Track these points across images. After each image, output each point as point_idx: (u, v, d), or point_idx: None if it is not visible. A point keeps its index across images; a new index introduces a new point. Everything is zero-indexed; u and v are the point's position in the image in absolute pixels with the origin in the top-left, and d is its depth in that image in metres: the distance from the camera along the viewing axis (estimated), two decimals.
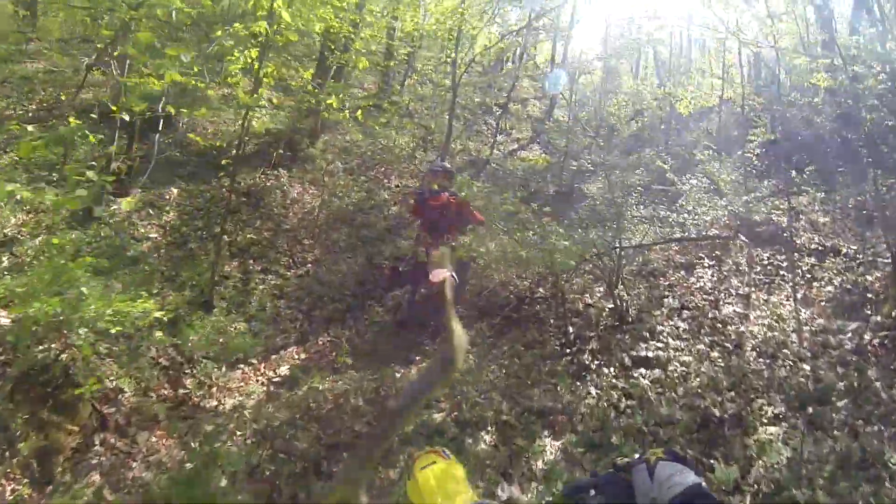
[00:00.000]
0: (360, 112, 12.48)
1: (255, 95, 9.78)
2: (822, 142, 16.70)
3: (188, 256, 10.73)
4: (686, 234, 12.74)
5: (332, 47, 15.50)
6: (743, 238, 11.83)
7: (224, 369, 8.71)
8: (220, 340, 9.18)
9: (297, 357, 9.56)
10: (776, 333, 9.22)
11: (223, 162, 10.35)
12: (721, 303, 10.45)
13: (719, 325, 9.59)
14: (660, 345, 9.10)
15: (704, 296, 10.78)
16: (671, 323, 9.86)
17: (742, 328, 9.49)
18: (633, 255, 11.78)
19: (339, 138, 17.10)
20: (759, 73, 23.51)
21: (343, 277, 11.97)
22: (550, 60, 30.80)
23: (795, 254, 11.59)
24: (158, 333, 8.62)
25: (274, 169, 14.31)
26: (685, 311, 10.24)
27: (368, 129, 18.39)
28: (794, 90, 19.71)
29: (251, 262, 11.27)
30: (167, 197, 12.30)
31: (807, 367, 8.23)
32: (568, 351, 9.47)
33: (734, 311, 10.09)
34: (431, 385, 1.03)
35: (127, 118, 12.81)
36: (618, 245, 10.86)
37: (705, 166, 18.67)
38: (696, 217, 13.66)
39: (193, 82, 10.33)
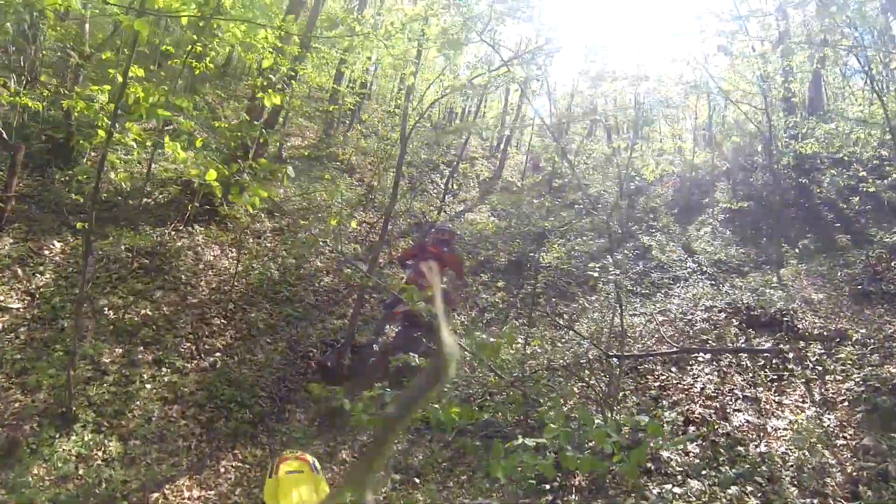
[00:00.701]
0: (284, 172, 10.31)
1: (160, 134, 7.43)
2: (785, 206, 15.89)
3: (55, 340, 8.14)
4: (683, 324, 11.32)
5: (265, 84, 13.33)
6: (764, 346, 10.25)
7: None
8: (79, 473, 6.63)
9: (187, 497, 7.08)
10: (808, 455, 7.45)
11: (78, 225, 7.77)
12: (729, 410, 8.77)
13: (738, 448, 7.78)
14: (676, 490, 7.05)
15: (707, 402, 9.10)
16: (678, 447, 7.94)
17: (764, 447, 7.75)
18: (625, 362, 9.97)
19: (270, 190, 14.76)
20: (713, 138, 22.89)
21: (258, 372, 9.61)
22: (501, 118, 29.54)
23: (800, 341, 10.25)
24: None
25: (188, 225, 11.87)
26: (690, 427, 8.43)
27: (303, 184, 16.21)
28: (757, 154, 19.28)
29: (140, 349, 8.74)
30: (46, 253, 9.70)
31: None
32: (547, 487, 7.49)
33: (747, 421, 8.42)
34: (423, 394, 0.67)
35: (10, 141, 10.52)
36: (617, 354, 9.06)
37: (671, 231, 17.73)
38: (690, 303, 12.48)
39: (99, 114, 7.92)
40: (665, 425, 8.56)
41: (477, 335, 5.04)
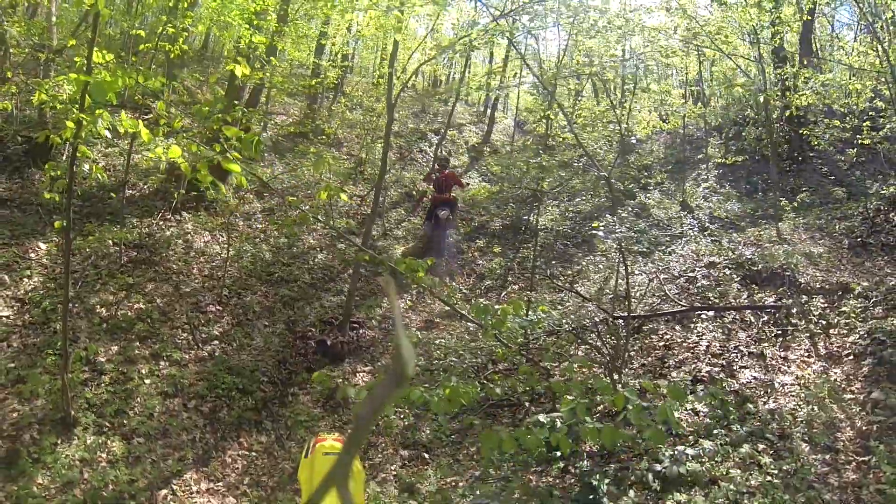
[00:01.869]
0: (256, 141, 10.16)
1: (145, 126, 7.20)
2: (778, 160, 15.70)
3: (48, 344, 8.01)
4: (684, 282, 11.22)
5: (236, 57, 13.01)
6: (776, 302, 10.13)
7: None
8: (84, 477, 6.56)
9: (195, 490, 7.03)
10: (818, 410, 7.39)
11: (56, 225, 7.51)
12: (736, 367, 8.72)
13: (747, 405, 7.74)
14: (688, 451, 6.98)
15: (713, 359, 9.03)
16: (687, 406, 7.91)
17: (773, 403, 7.71)
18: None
19: (258, 171, 14.54)
20: (704, 93, 22.48)
21: (258, 356, 9.52)
22: (486, 81, 29.14)
23: (803, 296, 10.10)
24: None
25: (175, 213, 11.68)
26: (699, 387, 8.37)
27: (290, 161, 15.99)
28: (749, 107, 18.95)
29: (136, 344, 8.62)
30: (32, 255, 9.54)
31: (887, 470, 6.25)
32: (558, 453, 7.49)
33: (754, 378, 8.36)
34: (385, 399, 0.70)
35: None
36: (623, 315, 8.95)
37: (666, 188, 17.55)
38: (691, 260, 12.38)
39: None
40: (673, 384, 8.51)
41: (481, 302, 4.90)
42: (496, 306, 5.38)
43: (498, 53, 30.71)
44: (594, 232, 9.17)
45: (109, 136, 7.71)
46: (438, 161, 16.92)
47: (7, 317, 8.24)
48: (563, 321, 10.20)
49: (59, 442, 6.77)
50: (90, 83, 6.03)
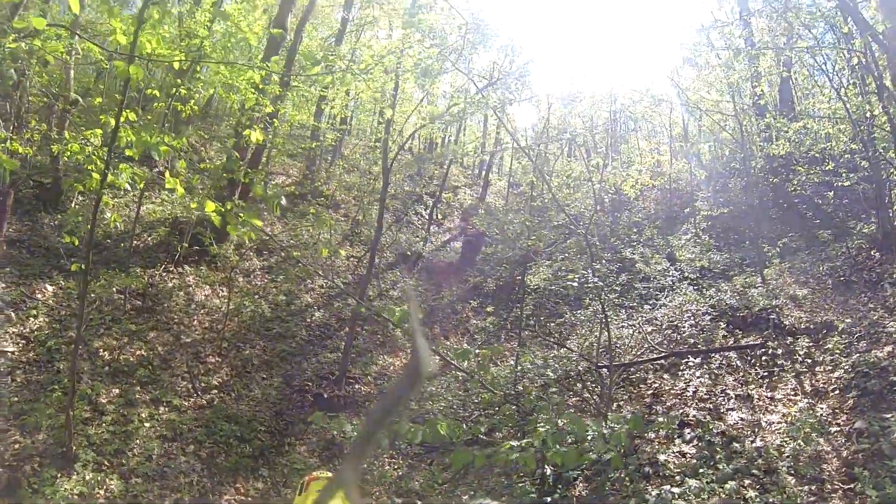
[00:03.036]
0: (276, 201, 10.46)
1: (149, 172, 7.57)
2: (764, 208, 16.10)
3: (51, 382, 8.13)
4: (669, 328, 11.46)
5: (248, 122, 13.48)
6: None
7: None
8: None
9: None
10: (803, 444, 7.53)
11: (72, 267, 7.75)
12: (723, 410, 8.90)
13: (733, 444, 7.90)
14: (674, 490, 7.13)
15: (701, 404, 9.23)
16: (674, 449, 8.07)
17: (759, 441, 7.86)
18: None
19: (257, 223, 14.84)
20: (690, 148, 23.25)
21: (256, 407, 9.64)
22: (481, 144, 29.86)
23: (788, 337, 10.35)
24: None
25: (178, 266, 11.93)
26: (686, 430, 8.52)
27: (289, 220, 16.34)
28: (734, 160, 19.46)
29: (137, 389, 8.75)
30: (39, 296, 9.72)
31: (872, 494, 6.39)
32: (548, 500, 7.62)
33: (741, 419, 8.55)
34: (403, 395, 0.78)
35: None
36: (606, 364, 9.18)
37: (656, 242, 17.92)
38: (677, 310, 12.61)
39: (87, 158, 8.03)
40: (661, 430, 8.69)
41: (461, 348, 5.15)
42: (475, 350, 5.62)
43: (491, 118, 31.65)
44: (569, 282, 9.47)
45: (130, 188, 8.06)
46: None
47: (12, 353, 8.38)
48: (549, 371, 10.42)
49: (58, 475, 6.85)
50: (134, 138, 6.44)
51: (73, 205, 11.77)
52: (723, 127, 18.34)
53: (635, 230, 19.73)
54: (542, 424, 4.75)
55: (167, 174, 5.91)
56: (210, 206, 4.68)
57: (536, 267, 18.03)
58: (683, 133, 22.98)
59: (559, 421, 4.83)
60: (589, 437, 4.36)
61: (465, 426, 5.41)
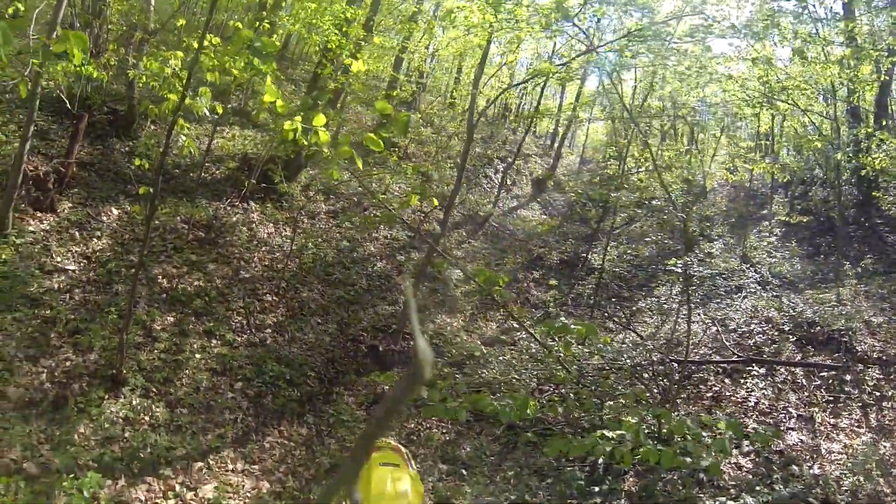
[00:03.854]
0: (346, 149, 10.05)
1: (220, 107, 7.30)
2: (844, 223, 15.03)
3: (109, 303, 8.05)
4: (738, 336, 10.84)
5: (327, 70, 13.13)
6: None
7: (119, 485, 5.99)
8: (125, 435, 6.49)
9: (231, 469, 6.90)
10: (863, 480, 7.07)
11: (140, 191, 7.49)
12: (783, 428, 8.39)
13: (791, 467, 7.47)
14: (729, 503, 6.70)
15: (761, 417, 8.76)
16: (731, 460, 7.59)
17: (818, 469, 7.42)
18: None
19: (326, 175, 14.61)
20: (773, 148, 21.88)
21: (308, 351, 9.43)
22: (556, 116, 29.10)
23: (858, 364, 9.68)
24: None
25: (244, 202, 11.76)
26: (745, 442, 8.01)
27: (357, 169, 16.05)
28: (818, 166, 18.19)
29: (192, 319, 8.62)
30: (104, 219, 9.67)
31: None
32: (596, 489, 7.21)
33: (801, 441, 8.07)
34: (404, 397, 0.78)
35: (73, 110, 10.53)
36: (679, 359, 8.66)
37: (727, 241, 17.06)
38: (747, 314, 11.97)
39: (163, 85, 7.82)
40: (730, 419, 8.21)
41: (560, 321, 4.69)
42: (572, 326, 5.15)
43: (570, 90, 30.79)
44: (670, 268, 8.88)
45: (207, 114, 7.81)
46: None
47: (73, 271, 8.32)
48: (623, 357, 9.91)
49: (106, 397, 6.74)
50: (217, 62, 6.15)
51: (143, 134, 11.69)
52: (818, 128, 17.02)
53: (708, 224, 18.84)
54: (629, 416, 4.30)
55: (269, 82, 5.46)
56: (320, 119, 4.26)
57: (602, 246, 17.49)
58: (770, 131, 21.55)
59: (647, 413, 4.39)
60: (683, 438, 3.88)
61: (541, 403, 5.02)
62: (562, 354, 8.18)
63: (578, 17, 11.00)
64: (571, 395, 8.64)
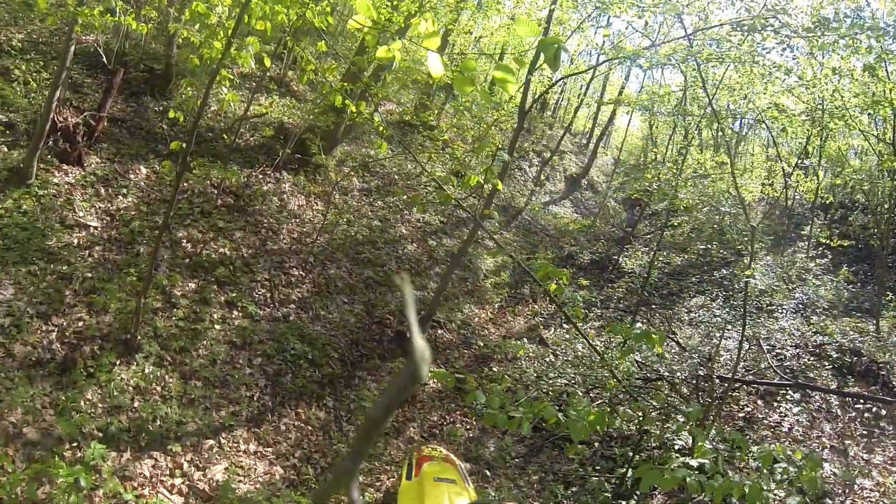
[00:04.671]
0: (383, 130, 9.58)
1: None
2: (884, 252, 14.26)
3: (129, 264, 7.64)
4: (772, 357, 10.31)
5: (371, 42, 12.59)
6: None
7: (124, 458, 5.57)
8: (134, 405, 6.07)
9: (243, 450, 6.47)
10: None
11: (172, 146, 6.94)
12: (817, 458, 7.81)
13: (825, 500, 7.14)
14: None
15: (794, 445, 8.24)
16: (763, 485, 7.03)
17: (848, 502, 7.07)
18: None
19: (362, 151, 14.14)
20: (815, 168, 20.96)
21: (332, 331, 8.98)
22: (594, 117, 28.48)
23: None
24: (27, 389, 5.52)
25: (276, 171, 11.32)
26: (778, 468, 7.47)
27: (394, 149, 15.58)
28: (861, 191, 17.34)
29: (214, 287, 8.20)
30: (131, 177, 9.29)
31: None
32: None
33: (833, 473, 7.63)
34: (398, 398, 0.71)
35: (109, 65, 10.16)
36: (724, 376, 8.15)
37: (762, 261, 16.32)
38: (783, 336, 11.38)
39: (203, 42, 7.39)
40: (752, 461, 7.77)
41: (638, 326, 4.18)
42: (640, 330, 4.61)
43: (610, 90, 30.15)
44: (748, 279, 8.31)
45: (254, 65, 7.35)
46: None
47: (95, 227, 7.93)
48: (670, 368, 9.38)
49: (117, 363, 6.33)
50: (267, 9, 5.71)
51: (181, 90, 11.29)
52: (874, 148, 16.10)
53: (746, 239, 18.07)
54: (701, 437, 3.79)
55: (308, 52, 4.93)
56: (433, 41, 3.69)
57: (633, 250, 16.93)
58: (818, 148, 20.52)
59: (725, 436, 3.89)
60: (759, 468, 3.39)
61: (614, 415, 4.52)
62: (616, 361, 7.65)
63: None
64: (617, 406, 8.11)
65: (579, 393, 8.92)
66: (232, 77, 7.88)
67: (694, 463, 3.63)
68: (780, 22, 10.00)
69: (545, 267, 4.71)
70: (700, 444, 3.72)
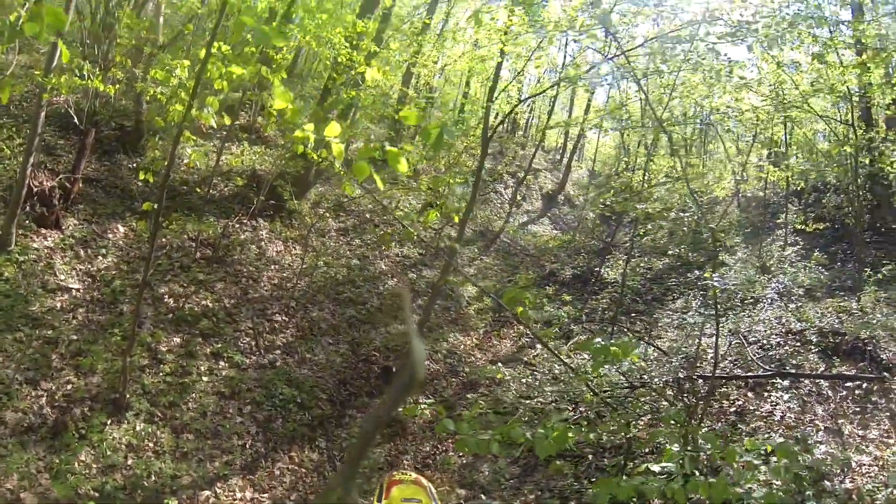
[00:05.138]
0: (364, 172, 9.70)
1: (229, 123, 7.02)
2: (860, 230, 14.54)
3: (113, 324, 7.77)
4: (758, 347, 10.47)
5: (340, 80, 12.90)
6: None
7: None
8: (128, 463, 6.17)
9: (239, 497, 6.57)
10: None
11: (144, 206, 7.13)
12: (811, 442, 7.90)
13: (823, 482, 7.08)
14: None
15: (788, 432, 8.31)
16: (760, 478, 7.18)
17: (849, 483, 7.08)
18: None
19: (336, 192, 14.34)
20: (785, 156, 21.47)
21: (319, 373, 9.11)
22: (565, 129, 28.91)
23: (884, 373, 9.24)
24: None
25: (252, 219, 11.49)
26: (772, 458, 7.62)
27: (371, 185, 15.79)
28: (829, 174, 17.68)
29: (199, 340, 8.32)
30: (109, 236, 9.42)
31: None
32: None
33: (829, 453, 7.69)
34: (398, 401, 0.89)
35: (81, 125, 10.31)
36: (707, 375, 8.32)
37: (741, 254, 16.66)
38: (766, 325, 11.55)
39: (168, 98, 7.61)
40: (745, 454, 7.89)
41: (597, 341, 4.35)
42: (599, 345, 4.78)
43: (578, 105, 30.71)
44: (706, 281, 8.53)
45: (215, 125, 7.55)
46: None
47: (77, 290, 8.06)
48: (646, 374, 9.55)
49: (108, 422, 6.44)
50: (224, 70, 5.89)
51: (150, 147, 11.47)
52: (836, 133, 16.58)
53: (723, 234, 18.42)
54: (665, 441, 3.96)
55: (277, 82, 5.12)
56: (333, 129, 3.90)
57: (614, 260, 17.16)
58: (784, 138, 21.02)
59: (689, 434, 4.05)
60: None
61: (578, 429, 4.67)
62: (590, 375, 7.83)
63: (607, 20, 10.58)
64: (601, 418, 8.26)
65: (559, 410, 9.08)
66: (194, 139, 8.08)
67: (656, 468, 3.78)
68: (706, 29, 10.46)
69: (510, 292, 4.90)
70: (668, 448, 3.88)
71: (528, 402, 9.32)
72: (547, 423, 4.03)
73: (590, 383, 6.54)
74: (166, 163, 6.68)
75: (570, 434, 3.61)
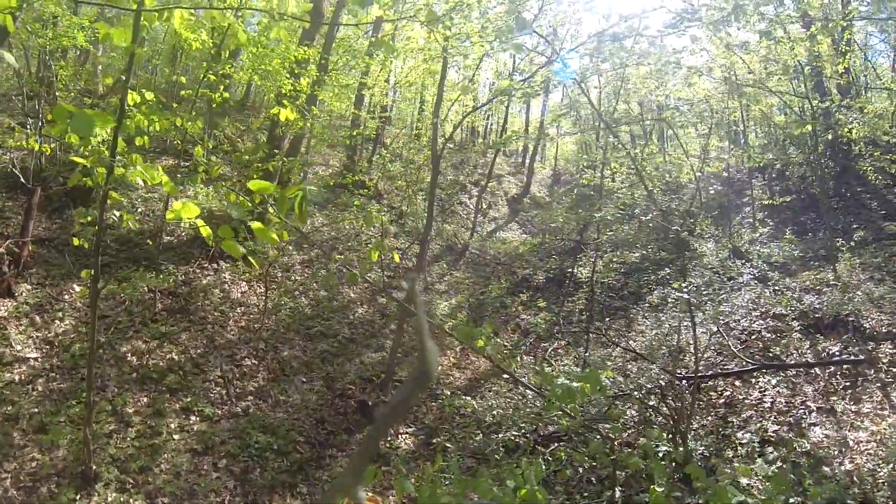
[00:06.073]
0: (301, 196, 9.64)
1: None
2: (826, 198, 14.67)
3: (74, 392, 7.53)
4: (740, 333, 10.47)
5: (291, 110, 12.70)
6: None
7: None
8: None
9: None
10: None
11: (83, 273, 6.88)
12: (805, 425, 7.99)
13: (822, 468, 7.07)
14: None
15: (780, 418, 8.33)
16: (758, 473, 7.16)
17: (849, 465, 7.06)
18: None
19: (295, 223, 14.13)
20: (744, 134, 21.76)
21: (295, 415, 8.92)
22: (524, 129, 28.96)
23: (869, 343, 9.37)
24: None
25: (213, 262, 11.29)
26: (768, 448, 7.63)
27: (330, 213, 15.65)
28: (792, 146, 17.90)
29: (166, 396, 8.11)
30: (66, 297, 9.17)
31: None
32: None
33: (825, 436, 7.70)
34: (409, 398, 0.90)
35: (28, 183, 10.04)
36: (690, 375, 8.28)
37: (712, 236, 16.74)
38: (746, 310, 11.59)
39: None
40: (740, 447, 7.87)
41: (555, 376, 4.25)
42: (572, 382, 4.65)
43: (536, 105, 30.86)
44: (679, 294, 8.47)
45: (142, 183, 7.34)
46: None
47: (35, 359, 7.82)
48: (628, 385, 9.45)
49: (77, 497, 6.22)
50: (82, 116, 5.67)
51: (94, 202, 11.20)
52: (790, 107, 16.85)
53: (690, 220, 18.51)
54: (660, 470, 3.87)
55: (160, 172, 4.93)
56: (191, 211, 3.73)
57: (586, 258, 17.08)
58: (741, 117, 21.31)
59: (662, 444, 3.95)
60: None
61: (545, 464, 4.54)
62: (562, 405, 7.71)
63: (536, 26, 10.61)
64: (583, 444, 8.10)
65: (529, 460, 8.90)
66: (124, 202, 7.86)
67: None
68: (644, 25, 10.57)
69: (465, 330, 4.82)
70: (653, 488, 3.80)
71: (498, 436, 9.01)
72: (515, 472, 3.89)
73: (564, 408, 6.42)
74: (97, 228, 6.42)
75: (539, 497, 3.48)
